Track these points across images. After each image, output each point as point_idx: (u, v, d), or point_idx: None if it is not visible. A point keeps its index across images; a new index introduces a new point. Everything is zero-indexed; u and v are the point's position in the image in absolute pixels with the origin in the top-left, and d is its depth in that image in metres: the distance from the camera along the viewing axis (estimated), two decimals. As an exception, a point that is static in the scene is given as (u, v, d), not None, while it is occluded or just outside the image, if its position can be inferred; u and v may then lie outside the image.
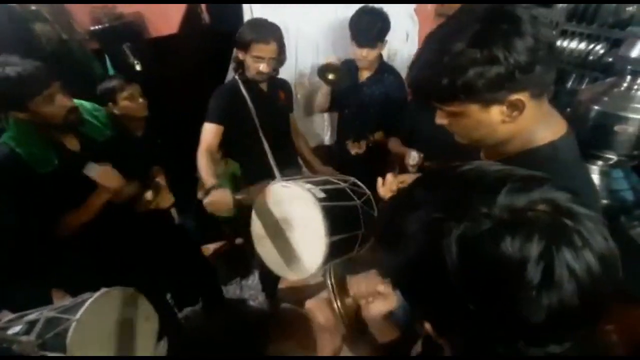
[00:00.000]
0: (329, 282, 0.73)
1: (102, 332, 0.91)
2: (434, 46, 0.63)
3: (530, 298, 0.32)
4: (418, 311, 0.44)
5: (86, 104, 1.29)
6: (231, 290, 2.25)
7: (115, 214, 1.28)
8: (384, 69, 1.81)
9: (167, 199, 1.40)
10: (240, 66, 1.51)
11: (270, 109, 1.61)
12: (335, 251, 1.25)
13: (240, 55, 1.47)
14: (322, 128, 2.37)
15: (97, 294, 0.92)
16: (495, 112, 0.62)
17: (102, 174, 1.17)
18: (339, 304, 0.70)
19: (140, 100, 1.58)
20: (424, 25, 2.39)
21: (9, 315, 0.96)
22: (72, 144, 1.20)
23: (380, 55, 1.77)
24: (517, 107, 0.61)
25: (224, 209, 1.30)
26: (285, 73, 1.69)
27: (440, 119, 0.69)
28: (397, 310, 0.76)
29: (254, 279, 2.30)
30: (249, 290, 2.25)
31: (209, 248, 2.35)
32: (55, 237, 1.21)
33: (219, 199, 1.28)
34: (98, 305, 0.90)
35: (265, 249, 1.43)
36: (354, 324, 0.72)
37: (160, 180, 1.44)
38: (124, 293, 1.00)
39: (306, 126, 2.24)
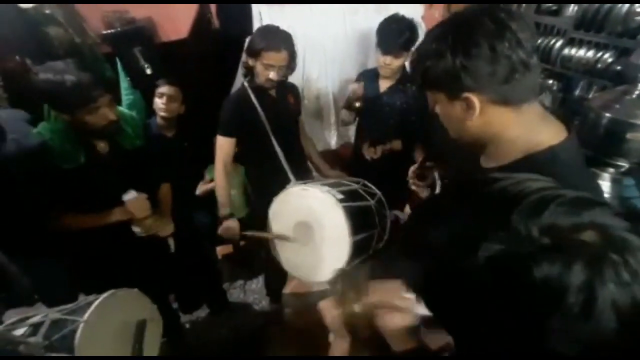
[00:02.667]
0: (339, 287, 0.73)
1: (108, 333, 0.91)
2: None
3: (564, 329, 0.30)
4: (440, 323, 0.42)
5: (125, 112, 1.32)
6: (235, 294, 2.24)
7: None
8: (405, 78, 1.79)
9: (168, 228, 1.41)
10: (250, 72, 1.52)
11: (280, 113, 1.62)
12: (357, 251, 1.25)
13: (250, 62, 1.48)
14: (328, 132, 2.38)
15: (103, 295, 0.92)
16: (457, 107, 0.67)
17: (135, 202, 1.24)
18: (353, 305, 0.69)
19: (165, 100, 1.62)
20: (432, 32, 2.41)
21: (12, 317, 0.96)
22: (102, 147, 1.24)
23: (403, 65, 1.75)
24: (469, 106, 0.65)
25: (233, 238, 1.53)
26: (293, 78, 1.70)
27: (432, 105, 0.75)
28: (414, 328, 0.75)
29: (257, 283, 2.29)
30: (252, 294, 2.25)
31: (216, 250, 2.34)
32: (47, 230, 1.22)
33: (228, 232, 1.52)
34: (105, 307, 0.90)
35: (286, 252, 1.43)
36: (365, 330, 0.71)
37: (166, 203, 1.45)
38: (129, 294, 1.00)
39: (313, 130, 2.25)
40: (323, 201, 1.26)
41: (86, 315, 0.85)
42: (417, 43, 1.66)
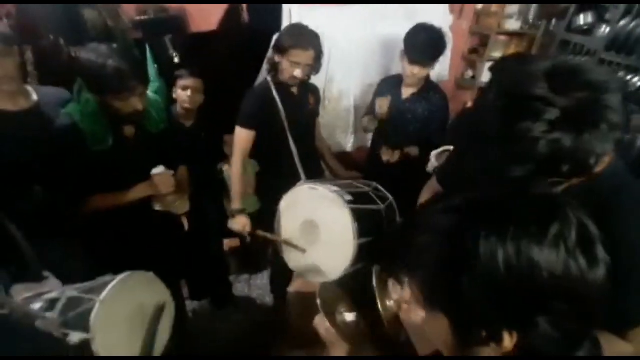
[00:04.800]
0: (318, 300, 0.75)
1: (122, 314, 0.92)
2: None
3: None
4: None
5: (151, 96, 1.34)
6: (239, 288, 2.25)
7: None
8: (429, 87, 1.78)
9: (185, 206, 1.44)
10: (275, 68, 1.53)
11: (300, 112, 1.62)
12: (361, 254, 1.25)
13: (277, 58, 1.49)
14: (346, 135, 2.38)
15: (120, 276, 0.93)
16: None
17: (163, 177, 1.27)
18: (379, 303, 0.72)
19: (190, 92, 1.64)
20: (458, 42, 2.39)
21: (21, 292, 0.97)
22: (129, 131, 1.26)
23: (428, 74, 1.74)
24: None
25: (244, 232, 1.56)
26: (316, 78, 1.70)
27: None
28: None
29: (262, 279, 2.30)
30: (257, 289, 2.25)
31: (224, 243, 2.36)
32: (79, 213, 1.25)
33: (239, 227, 1.55)
34: (121, 288, 0.91)
35: (291, 250, 1.43)
36: (393, 325, 0.72)
37: (183, 183, 1.47)
38: (144, 277, 1.01)
39: (330, 132, 2.26)
40: (331, 201, 1.26)
41: (102, 295, 0.86)
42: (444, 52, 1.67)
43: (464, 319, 0.41)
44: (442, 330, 0.43)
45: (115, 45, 1.13)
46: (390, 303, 0.72)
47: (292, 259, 1.44)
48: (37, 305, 0.91)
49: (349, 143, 2.39)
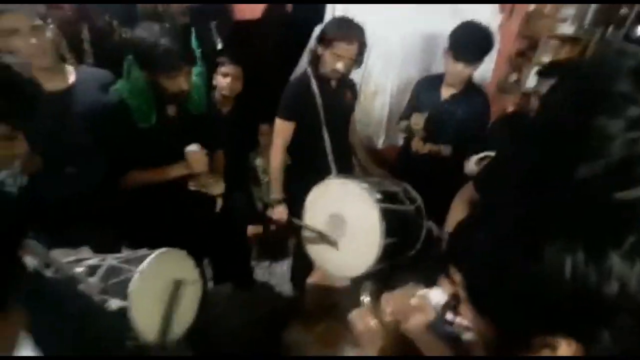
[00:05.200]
0: (365, 299, 0.74)
1: (156, 287, 0.96)
2: None
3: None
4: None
5: (194, 79, 1.38)
6: (259, 274, 2.30)
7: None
8: (471, 88, 1.71)
9: (219, 188, 1.48)
10: (316, 61, 1.52)
11: (336, 106, 1.62)
12: (385, 254, 1.24)
13: (319, 50, 1.49)
14: (377, 131, 2.35)
15: (157, 251, 0.98)
16: None
17: (196, 155, 1.31)
18: (375, 321, 0.70)
19: (229, 80, 1.67)
20: (505, 44, 2.29)
21: (62, 257, 1.01)
22: (171, 110, 1.32)
23: (471, 75, 1.67)
24: None
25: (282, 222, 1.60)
26: (353, 73, 1.68)
27: None
28: (437, 322, 0.74)
29: (282, 267, 2.34)
30: (276, 277, 2.30)
31: (248, 229, 2.41)
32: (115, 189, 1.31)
33: (279, 216, 1.61)
34: (157, 262, 0.95)
35: (313, 241, 1.45)
36: (399, 342, 0.72)
37: (219, 166, 1.51)
38: (178, 255, 1.05)
39: (362, 128, 2.24)
40: (361, 198, 1.25)
41: (141, 267, 0.91)
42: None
43: (519, 326, 0.40)
44: (489, 333, 0.43)
45: (167, 25, 1.18)
46: (387, 318, 0.70)
47: (315, 251, 1.45)
48: (78, 270, 0.97)
49: (379, 140, 2.36)
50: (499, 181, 1.04)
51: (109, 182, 1.29)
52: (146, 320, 0.91)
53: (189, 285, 1.04)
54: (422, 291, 0.74)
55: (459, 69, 1.57)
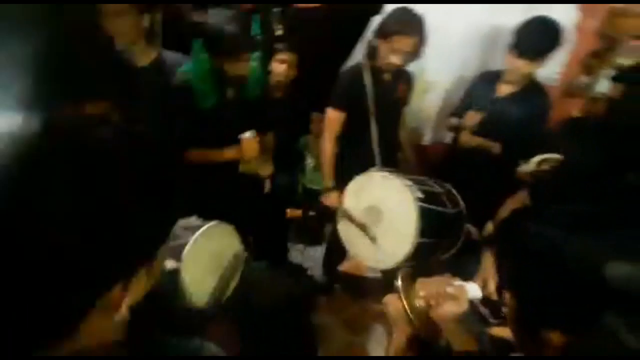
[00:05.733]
0: (397, 283, 0.76)
1: (205, 256, 1.06)
2: None
3: None
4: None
5: (252, 65, 1.45)
6: (294, 256, 2.39)
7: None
8: (532, 87, 1.61)
9: (269, 169, 1.56)
10: (373, 52, 1.51)
11: (387, 98, 1.61)
12: (417, 253, 1.25)
13: (377, 42, 1.47)
14: (425, 128, 2.29)
15: (209, 223, 1.08)
16: None
17: (250, 142, 1.39)
18: (406, 304, 0.73)
19: (285, 66, 1.73)
20: (580, 44, 2.09)
21: None
22: (230, 93, 1.41)
23: (533, 73, 1.58)
24: None
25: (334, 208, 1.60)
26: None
27: None
28: (468, 315, 0.75)
29: (316, 252, 2.41)
30: (309, 260, 2.37)
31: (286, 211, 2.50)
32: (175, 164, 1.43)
33: (332, 202, 1.60)
34: (209, 233, 1.05)
35: (348, 229, 1.49)
36: (426, 326, 0.74)
37: (269, 148, 1.58)
38: (228, 229, 1.14)
39: (410, 122, 2.19)
40: (402, 194, 1.26)
41: (196, 235, 1.01)
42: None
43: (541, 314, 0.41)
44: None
45: (234, 12, 1.25)
46: (418, 302, 0.73)
47: (349, 239, 1.49)
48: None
49: (426, 136, 2.30)
50: (559, 187, 0.99)
51: (174, 157, 1.41)
52: (194, 283, 1.02)
53: (237, 258, 1.13)
54: (460, 282, 0.75)
55: (520, 64, 1.49)
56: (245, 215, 1.59)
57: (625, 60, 2.14)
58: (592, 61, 2.27)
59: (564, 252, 0.40)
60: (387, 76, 1.58)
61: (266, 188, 1.64)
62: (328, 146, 1.62)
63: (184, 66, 1.35)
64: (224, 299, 1.11)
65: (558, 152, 1.29)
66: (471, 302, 0.74)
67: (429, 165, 1.84)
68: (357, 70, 1.59)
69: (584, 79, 2.36)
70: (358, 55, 1.75)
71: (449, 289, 0.73)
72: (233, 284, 1.15)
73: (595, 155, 0.62)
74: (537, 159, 1.34)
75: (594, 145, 0.64)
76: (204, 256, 1.05)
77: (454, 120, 1.75)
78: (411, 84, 1.70)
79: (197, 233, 1.01)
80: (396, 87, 1.63)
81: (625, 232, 0.39)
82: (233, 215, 1.26)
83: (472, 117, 1.63)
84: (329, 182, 1.63)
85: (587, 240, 0.39)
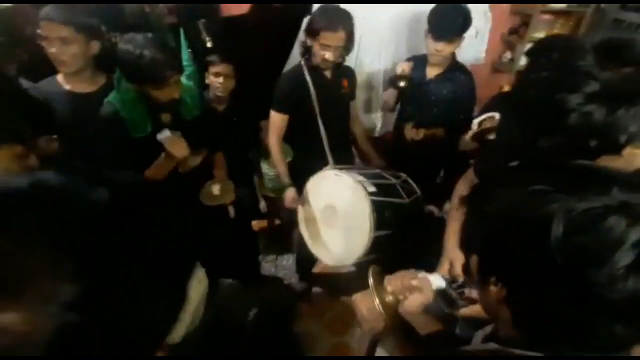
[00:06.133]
0: (370, 281, 0.78)
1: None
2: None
3: (615, 274, 0.35)
4: (492, 271, 0.46)
5: (185, 83, 1.39)
6: (266, 268, 2.33)
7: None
8: (455, 67, 1.73)
9: (230, 195, 1.51)
10: (307, 52, 1.53)
11: (332, 96, 1.62)
12: (376, 246, 1.26)
13: (308, 41, 1.49)
14: (372, 120, 2.34)
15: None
16: None
17: (171, 140, 1.27)
18: (377, 300, 0.75)
19: (222, 79, 1.67)
20: (497, 22, 2.26)
21: None
22: (165, 117, 1.32)
23: (454, 53, 1.70)
24: None
25: (293, 207, 1.57)
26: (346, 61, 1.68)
27: None
28: (434, 303, 0.78)
29: (288, 260, 2.37)
30: (283, 270, 2.33)
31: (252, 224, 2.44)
32: None
33: (289, 199, 1.58)
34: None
35: (309, 231, 1.48)
36: (395, 318, 0.76)
37: (221, 172, 1.52)
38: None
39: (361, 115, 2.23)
40: (353, 190, 1.27)
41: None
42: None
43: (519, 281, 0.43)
44: (495, 302, 0.46)
45: (150, 35, 1.16)
46: (388, 297, 0.76)
47: (310, 240, 1.49)
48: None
49: (376, 128, 2.36)
50: (492, 162, 1.05)
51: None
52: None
53: (196, 283, 1.07)
54: (423, 274, 0.78)
55: (440, 47, 1.59)
56: (213, 243, 1.52)
57: (539, 33, 2.36)
58: (512, 37, 2.47)
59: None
60: (328, 73, 1.60)
61: (231, 214, 1.58)
62: (275, 148, 1.61)
63: (110, 96, 1.25)
64: (191, 327, 1.05)
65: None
66: (437, 291, 0.77)
67: (382, 156, 1.87)
68: (297, 71, 1.59)
69: (508, 54, 2.56)
70: (296, 56, 1.74)
71: (414, 282, 0.75)
72: (199, 311, 1.09)
73: (516, 126, 0.66)
74: (477, 120, 1.42)
75: (512, 117, 0.69)
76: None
77: (385, 94, 1.80)
78: (354, 79, 1.73)
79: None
80: (339, 83, 1.65)
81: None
82: (201, 248, 1.20)
83: (403, 65, 1.68)
84: (286, 179, 1.61)
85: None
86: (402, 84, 1.68)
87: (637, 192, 0.37)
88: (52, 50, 1.20)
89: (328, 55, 1.45)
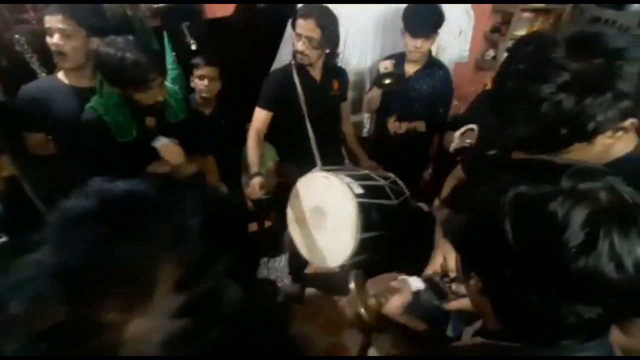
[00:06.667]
0: (351, 286, 0.79)
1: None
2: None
3: (567, 255, 0.37)
4: (469, 264, 0.49)
5: (169, 87, 1.37)
6: (258, 270, 2.32)
7: None
8: (432, 63, 1.80)
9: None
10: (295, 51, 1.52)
11: (321, 98, 1.62)
12: (364, 247, 1.27)
13: (292, 37, 1.49)
14: (361, 120, 2.35)
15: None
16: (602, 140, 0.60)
17: (166, 147, 1.27)
18: (359, 305, 0.76)
19: (207, 82, 1.65)
20: (479, 20, 2.30)
21: None
22: (150, 121, 1.30)
23: (430, 50, 1.75)
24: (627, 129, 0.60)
25: (257, 195, 1.51)
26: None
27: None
28: (414, 304, 0.80)
29: (280, 262, 2.36)
30: (275, 272, 2.32)
31: (242, 227, 2.42)
32: None
33: (254, 187, 1.50)
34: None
35: (298, 232, 1.48)
36: (379, 321, 0.78)
37: (213, 172, 1.50)
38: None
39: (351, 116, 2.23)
40: (340, 192, 1.28)
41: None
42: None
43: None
44: (477, 295, 0.48)
45: (132, 38, 1.14)
46: (371, 301, 0.77)
47: (299, 241, 1.48)
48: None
49: (364, 129, 2.37)
50: (479, 159, 1.07)
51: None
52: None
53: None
54: (402, 277, 0.80)
55: (418, 44, 1.64)
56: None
57: (520, 31, 2.41)
58: (494, 35, 2.52)
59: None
60: (316, 75, 1.60)
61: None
62: (251, 143, 1.57)
63: (92, 101, 1.23)
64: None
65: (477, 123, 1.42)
66: (417, 292, 0.79)
67: (367, 150, 1.88)
68: (286, 70, 1.59)
69: (491, 52, 2.61)
70: (285, 57, 1.73)
71: (393, 283, 0.78)
72: None
73: (496, 118, 0.68)
74: (457, 133, 1.47)
75: (493, 110, 0.71)
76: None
77: (371, 93, 1.84)
78: (345, 80, 1.74)
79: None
80: (329, 84, 1.65)
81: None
82: None
83: (386, 63, 1.72)
84: (254, 168, 1.54)
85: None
86: (387, 81, 1.70)
87: (585, 180, 0.39)
88: (54, 41, 1.23)
89: (300, 45, 1.45)
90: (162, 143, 1.25)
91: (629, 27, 1.92)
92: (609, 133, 0.58)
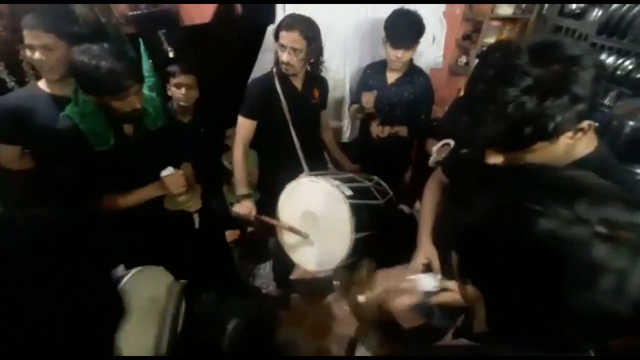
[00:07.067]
0: (335, 282, 0.80)
1: (135, 307, 0.95)
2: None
3: (594, 303, 0.37)
4: (468, 269, 0.49)
5: (147, 94, 1.34)
6: (242, 277, 2.29)
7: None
8: (413, 70, 1.85)
9: (197, 204, 1.45)
10: (277, 59, 1.53)
11: (303, 107, 1.63)
12: (357, 248, 1.29)
13: (276, 47, 1.50)
14: (341, 126, 2.39)
15: (132, 271, 0.97)
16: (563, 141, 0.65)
17: (172, 178, 1.28)
18: (362, 293, 0.77)
19: (184, 90, 1.63)
20: (451, 28, 2.39)
21: None
22: (128, 129, 1.27)
23: (411, 57, 1.80)
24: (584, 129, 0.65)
25: (249, 217, 1.55)
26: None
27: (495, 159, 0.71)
28: (420, 305, 0.81)
29: (265, 269, 2.35)
30: (260, 279, 2.30)
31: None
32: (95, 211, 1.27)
33: (244, 211, 1.55)
34: (133, 282, 0.94)
35: (290, 238, 1.48)
36: (374, 313, 0.78)
37: (191, 180, 1.48)
38: (156, 271, 1.04)
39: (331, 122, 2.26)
40: (331, 195, 1.30)
41: (120, 285, 0.90)
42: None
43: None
44: (472, 299, 0.49)
45: (107, 45, 1.11)
46: (374, 292, 0.79)
47: (291, 248, 1.48)
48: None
49: (345, 134, 2.41)
50: (459, 163, 1.12)
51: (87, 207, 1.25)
52: (126, 339, 0.90)
53: (172, 301, 1.04)
54: (414, 276, 0.81)
55: (400, 54, 1.70)
56: (181, 252, 1.47)
57: (489, 39, 2.53)
58: (465, 43, 2.63)
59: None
60: (297, 84, 1.61)
61: (196, 224, 1.53)
62: (238, 154, 1.58)
63: (67, 109, 1.19)
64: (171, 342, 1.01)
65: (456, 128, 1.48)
66: (425, 293, 0.80)
67: (351, 153, 1.92)
68: (268, 78, 1.59)
69: (463, 59, 2.72)
70: (265, 65, 1.74)
71: (404, 284, 0.79)
72: (180, 320, 1.06)
73: (468, 119, 0.72)
74: (435, 148, 1.53)
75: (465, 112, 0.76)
76: (133, 308, 0.94)
77: (353, 107, 1.89)
78: (325, 88, 1.76)
79: (119, 285, 0.90)
80: (310, 94, 1.67)
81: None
82: (167, 255, 1.16)
83: (367, 97, 1.78)
84: (241, 189, 1.58)
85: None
86: (360, 116, 1.83)
87: (622, 225, 0.38)
88: (36, 57, 1.22)
89: (284, 56, 1.46)
90: (169, 173, 1.27)
91: (587, 35, 2.06)
92: (569, 134, 0.63)
